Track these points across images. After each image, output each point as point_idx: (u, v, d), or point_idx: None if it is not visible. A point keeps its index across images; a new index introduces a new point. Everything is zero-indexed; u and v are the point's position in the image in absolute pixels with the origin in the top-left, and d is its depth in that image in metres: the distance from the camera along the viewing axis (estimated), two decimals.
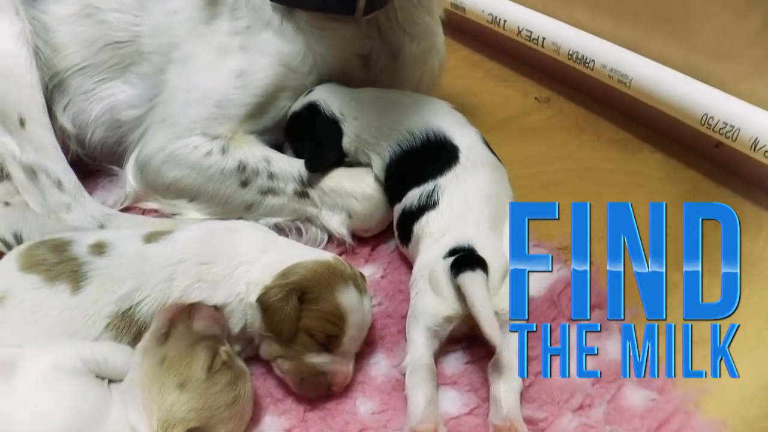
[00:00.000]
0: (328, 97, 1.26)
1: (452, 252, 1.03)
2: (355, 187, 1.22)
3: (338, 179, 1.22)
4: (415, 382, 0.97)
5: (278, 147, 1.29)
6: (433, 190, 1.12)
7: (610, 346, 1.06)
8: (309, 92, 1.27)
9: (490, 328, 0.94)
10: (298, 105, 1.27)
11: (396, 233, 1.19)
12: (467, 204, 1.10)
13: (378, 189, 1.22)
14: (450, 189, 1.12)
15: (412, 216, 1.13)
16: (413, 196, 1.14)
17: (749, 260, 1.24)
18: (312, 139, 1.25)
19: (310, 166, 1.22)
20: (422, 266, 1.06)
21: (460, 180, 1.13)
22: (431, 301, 1.02)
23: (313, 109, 1.25)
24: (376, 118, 1.22)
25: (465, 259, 1.00)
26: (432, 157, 1.16)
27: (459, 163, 1.15)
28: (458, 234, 1.06)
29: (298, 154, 1.27)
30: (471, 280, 0.98)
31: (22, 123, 1.22)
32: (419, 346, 1.00)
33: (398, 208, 1.17)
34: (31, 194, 1.23)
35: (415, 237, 1.12)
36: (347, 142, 1.24)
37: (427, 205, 1.11)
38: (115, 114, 1.32)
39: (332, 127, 1.24)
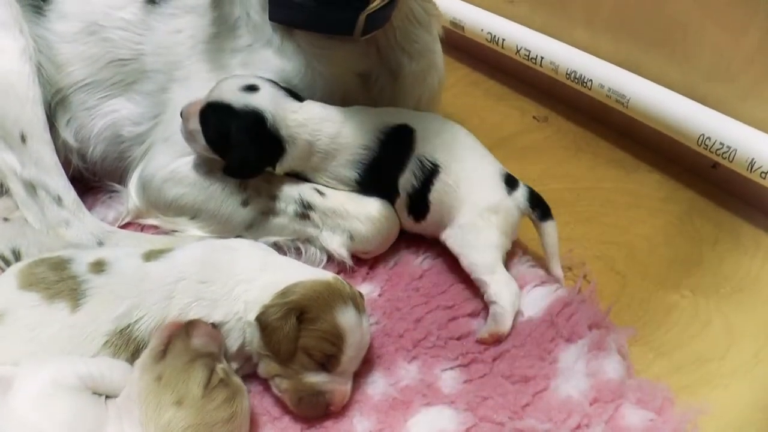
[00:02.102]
0: (275, 111, 1.17)
1: (509, 182, 1.18)
2: (359, 209, 1.22)
3: (342, 201, 1.23)
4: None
5: None
6: (421, 162, 1.18)
7: (608, 366, 1.06)
8: (249, 87, 1.18)
9: (557, 268, 1.19)
10: (234, 98, 1.16)
11: (410, 216, 1.21)
12: (462, 151, 1.19)
13: (382, 212, 1.22)
14: (435, 153, 1.18)
15: (421, 191, 1.18)
16: (406, 180, 1.18)
17: (746, 281, 1.25)
18: (242, 147, 1.16)
19: (230, 174, 1.20)
20: (483, 208, 1.15)
21: (432, 142, 1.19)
22: (500, 237, 1.16)
23: (257, 118, 1.16)
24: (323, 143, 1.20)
25: (545, 207, 1.18)
26: (395, 146, 1.20)
27: (418, 134, 1.20)
28: (491, 169, 1.19)
29: (208, 138, 1.17)
30: (551, 227, 1.18)
31: (23, 139, 1.22)
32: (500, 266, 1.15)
33: (402, 198, 1.20)
34: (30, 210, 1.24)
35: (437, 203, 1.18)
36: (286, 165, 1.20)
37: (429, 173, 1.17)
38: (117, 130, 1.33)
39: (274, 148, 1.18)
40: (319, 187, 1.23)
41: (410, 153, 1.19)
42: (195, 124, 1.18)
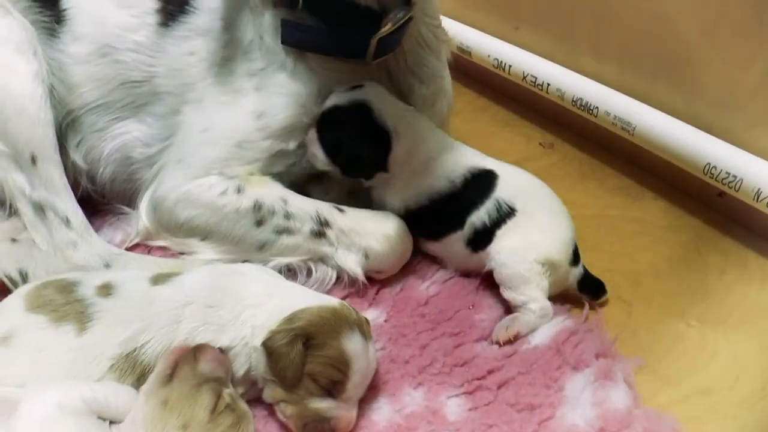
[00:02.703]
0: (381, 103, 1.23)
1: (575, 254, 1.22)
2: (376, 227, 1.23)
3: (359, 219, 1.24)
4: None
5: (295, 187, 1.29)
6: (498, 203, 1.20)
7: (615, 396, 1.05)
8: (354, 88, 1.24)
9: None
10: (341, 99, 1.22)
11: (468, 247, 1.22)
12: (541, 203, 1.23)
13: (398, 232, 1.23)
14: (514, 199, 1.20)
15: (490, 228, 1.20)
16: (478, 217, 1.20)
17: (753, 311, 1.25)
18: (354, 144, 1.21)
19: (348, 172, 1.24)
20: (543, 256, 1.17)
21: (513, 188, 1.22)
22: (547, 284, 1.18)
23: (362, 108, 1.22)
24: (422, 154, 1.24)
25: (597, 288, 1.24)
26: (478, 188, 1.22)
27: (501, 179, 1.23)
28: (566, 231, 1.21)
29: (326, 151, 1.22)
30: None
31: (33, 160, 1.23)
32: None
33: (465, 232, 1.22)
34: (38, 231, 1.24)
35: (498, 241, 1.19)
36: (394, 165, 1.23)
37: (504, 215, 1.19)
38: (127, 152, 1.34)
39: (382, 139, 1.22)
40: (338, 203, 1.25)
41: (490, 194, 1.21)
42: (313, 140, 1.24)
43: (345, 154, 1.22)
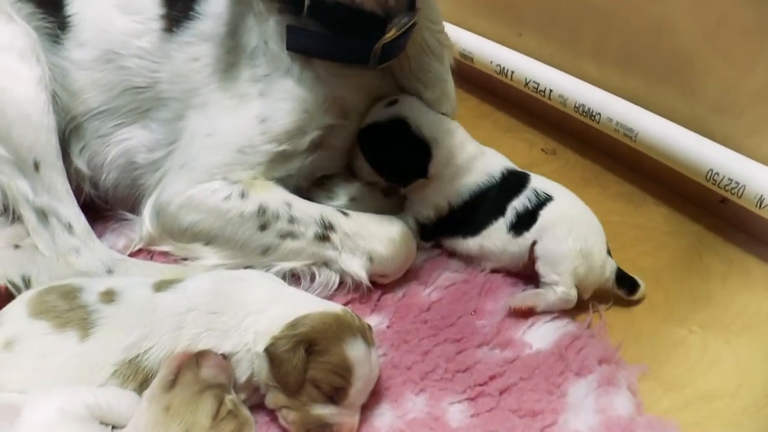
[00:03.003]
0: (417, 116, 1.30)
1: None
2: (381, 231, 1.24)
3: (363, 223, 1.24)
4: None
5: (298, 192, 1.29)
6: (536, 192, 1.27)
7: (618, 402, 1.05)
8: (391, 103, 1.31)
9: None
10: (380, 116, 1.30)
11: (511, 231, 1.26)
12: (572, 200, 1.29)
13: (402, 235, 1.25)
14: (548, 189, 1.28)
15: (532, 210, 1.25)
16: (519, 202, 1.27)
17: (756, 318, 1.24)
18: (393, 152, 1.28)
19: (393, 180, 1.30)
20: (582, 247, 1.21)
21: (545, 183, 1.30)
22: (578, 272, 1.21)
23: (400, 124, 1.28)
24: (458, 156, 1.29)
25: (632, 284, 1.26)
26: (514, 180, 1.30)
27: (532, 177, 1.31)
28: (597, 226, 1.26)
29: (374, 166, 1.30)
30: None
31: (36, 167, 1.23)
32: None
33: (507, 217, 1.27)
34: (41, 237, 1.24)
35: (543, 219, 1.24)
36: (433, 170, 1.28)
37: (543, 200, 1.26)
38: (131, 157, 1.34)
39: (422, 150, 1.28)
40: (342, 208, 1.26)
41: (527, 185, 1.29)
42: (358, 154, 1.32)
43: (388, 167, 1.30)
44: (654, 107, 1.52)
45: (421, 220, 1.31)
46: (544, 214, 1.24)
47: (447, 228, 1.32)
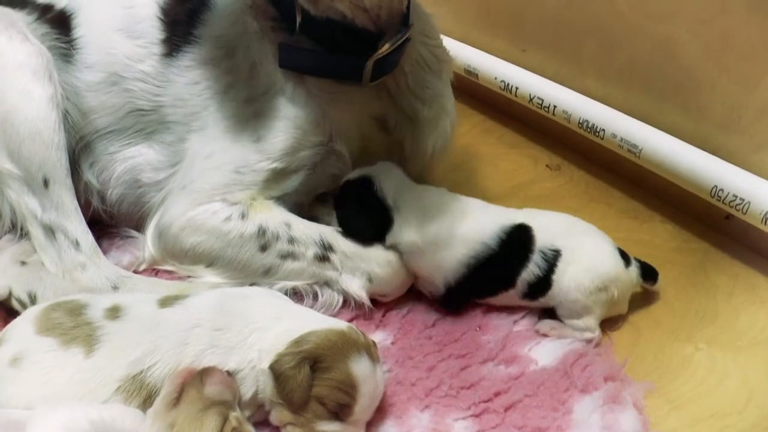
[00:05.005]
0: (385, 179, 1.25)
1: (623, 256, 1.24)
2: (379, 253, 1.23)
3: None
4: None
5: (299, 209, 1.30)
6: (543, 253, 1.21)
7: (624, 420, 1.05)
8: (370, 166, 1.28)
9: None
10: (352, 174, 1.28)
11: (526, 299, 1.23)
12: (578, 234, 1.25)
13: (400, 258, 1.24)
14: (555, 241, 1.22)
15: (544, 277, 1.20)
16: (529, 272, 1.20)
17: (763, 334, 1.24)
18: (356, 214, 1.25)
19: (349, 233, 1.25)
20: (599, 282, 1.19)
21: (549, 231, 1.23)
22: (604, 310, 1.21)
23: (364, 182, 1.25)
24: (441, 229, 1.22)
25: (654, 274, 1.28)
26: (518, 246, 1.22)
27: (535, 229, 1.23)
28: (607, 246, 1.24)
29: (339, 223, 1.26)
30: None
31: (45, 184, 1.24)
32: None
33: (518, 288, 1.22)
34: (47, 253, 1.25)
35: (558, 284, 1.20)
36: (395, 238, 1.22)
37: (552, 259, 1.20)
38: (136, 175, 1.35)
39: (379, 213, 1.23)
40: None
41: (532, 249, 1.21)
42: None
43: (344, 223, 1.26)
44: (658, 124, 1.52)
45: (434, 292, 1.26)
46: (557, 278, 1.20)
47: (462, 292, 1.24)
